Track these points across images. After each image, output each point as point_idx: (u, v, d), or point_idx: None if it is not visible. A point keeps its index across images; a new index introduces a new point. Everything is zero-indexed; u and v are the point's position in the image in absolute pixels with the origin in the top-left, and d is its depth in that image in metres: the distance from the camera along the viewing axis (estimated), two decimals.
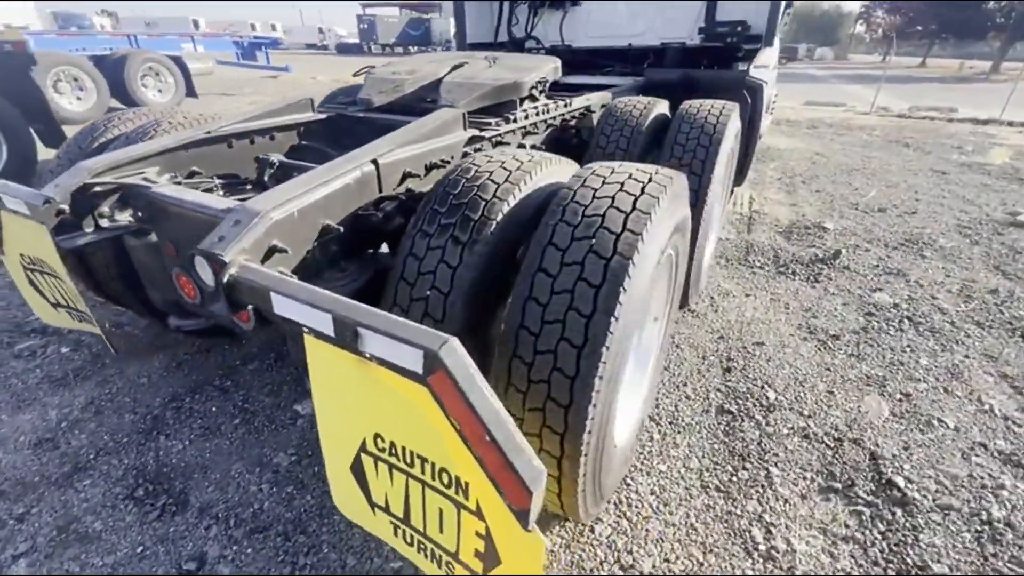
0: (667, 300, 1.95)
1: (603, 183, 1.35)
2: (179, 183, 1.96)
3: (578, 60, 5.15)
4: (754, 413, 2.24)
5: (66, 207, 1.69)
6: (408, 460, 1.11)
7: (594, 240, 1.21)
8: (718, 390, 2.39)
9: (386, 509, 1.23)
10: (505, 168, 1.49)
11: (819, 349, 2.70)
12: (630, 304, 1.20)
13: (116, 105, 9.36)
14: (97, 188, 1.78)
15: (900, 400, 2.33)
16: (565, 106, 2.74)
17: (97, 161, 1.76)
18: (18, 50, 4.65)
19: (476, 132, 2.11)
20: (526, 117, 2.37)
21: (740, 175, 4.24)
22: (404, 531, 1.23)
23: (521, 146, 2.45)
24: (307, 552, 1.63)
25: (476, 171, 1.49)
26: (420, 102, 2.43)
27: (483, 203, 1.39)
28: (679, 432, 2.15)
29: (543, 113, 2.53)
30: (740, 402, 2.31)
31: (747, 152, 4.18)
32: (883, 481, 1.90)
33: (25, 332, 2.81)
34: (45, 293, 2.06)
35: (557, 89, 4.14)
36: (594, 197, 1.31)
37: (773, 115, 8.52)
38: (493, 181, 1.44)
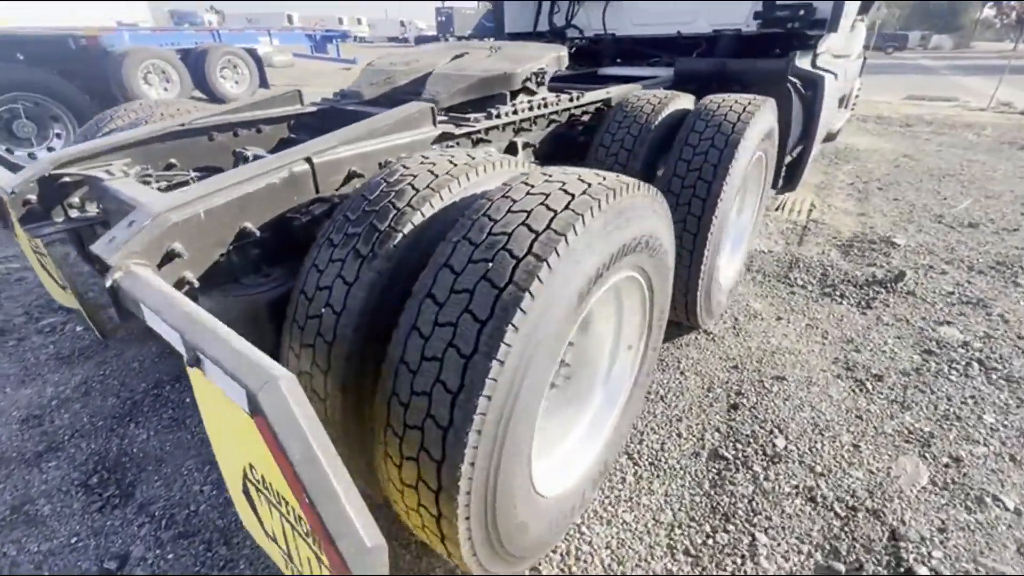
0: (642, 327, 1.68)
1: (527, 193, 1.14)
2: (149, 176, 1.96)
3: (624, 50, 4.82)
4: (753, 463, 1.92)
5: (33, 197, 1.73)
6: (276, 498, 0.98)
7: (491, 264, 1.01)
8: (717, 430, 2.08)
9: (275, 541, 1.12)
10: (432, 172, 1.31)
11: (853, 391, 2.29)
12: (528, 344, 0.99)
13: (197, 95, 10.09)
14: (66, 179, 1.80)
15: (946, 465, 1.90)
16: (571, 100, 2.49)
17: (61, 153, 1.78)
18: (91, 44, 5.06)
19: (450, 128, 1.93)
20: (514, 112, 2.16)
21: (790, 180, 3.76)
22: (292, 567, 1.11)
23: (512, 144, 2.24)
24: (223, 566, 1.57)
25: (400, 174, 1.32)
26: (409, 95, 2.29)
27: (393, 212, 1.22)
28: (658, 476, 1.88)
29: (540, 108, 2.30)
30: (740, 447, 1.99)
31: (802, 154, 3.69)
32: (902, 570, 1.54)
33: (53, 309, 3.01)
34: (53, 275, 2.16)
35: (586, 81, 3.89)
36: (509, 211, 1.10)
37: (854, 111, 7.63)
38: (413, 187, 1.27)
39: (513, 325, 0.95)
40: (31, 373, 2.47)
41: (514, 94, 2.27)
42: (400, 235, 1.19)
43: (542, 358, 1.05)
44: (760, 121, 2.22)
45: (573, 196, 1.12)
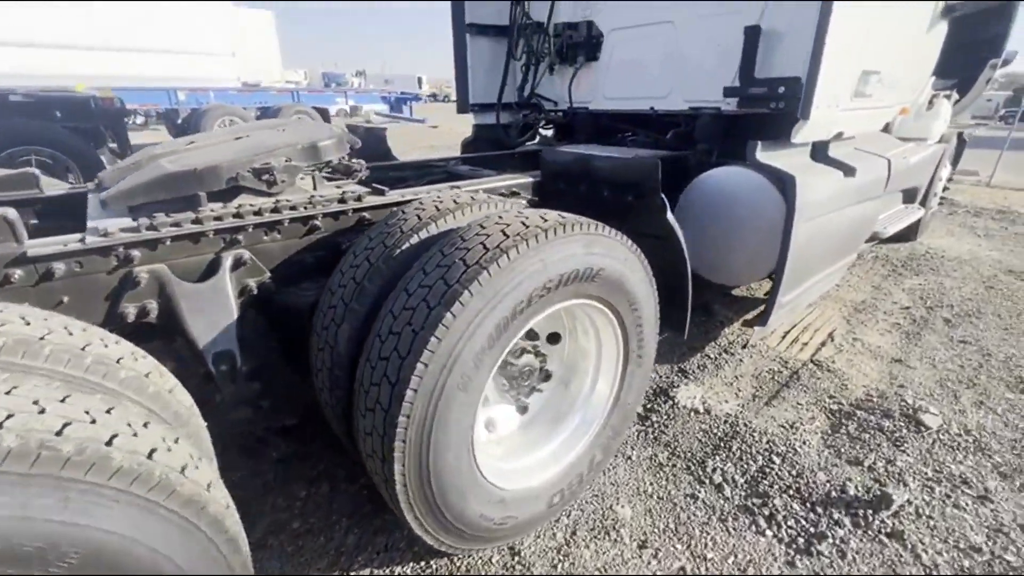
0: None
1: None
2: None
3: (602, 127, 4.13)
4: None
5: None
6: None
7: None
8: None
9: None
10: None
11: None
12: None
13: None
14: None
15: None
16: (343, 201, 1.86)
17: None
18: (106, 104, 5.56)
19: (43, 248, 1.40)
20: (196, 221, 1.58)
21: (763, 313, 2.70)
22: None
23: (215, 261, 1.66)
24: None
25: None
26: None
27: None
28: None
29: (264, 213, 1.69)
30: None
31: (774, 283, 2.65)
32: None
33: None
34: None
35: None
36: None
37: (942, 204, 6.09)
38: None
39: None
40: None
41: (224, 193, 1.70)
42: None
43: None
44: (535, 260, 1.38)
45: None
